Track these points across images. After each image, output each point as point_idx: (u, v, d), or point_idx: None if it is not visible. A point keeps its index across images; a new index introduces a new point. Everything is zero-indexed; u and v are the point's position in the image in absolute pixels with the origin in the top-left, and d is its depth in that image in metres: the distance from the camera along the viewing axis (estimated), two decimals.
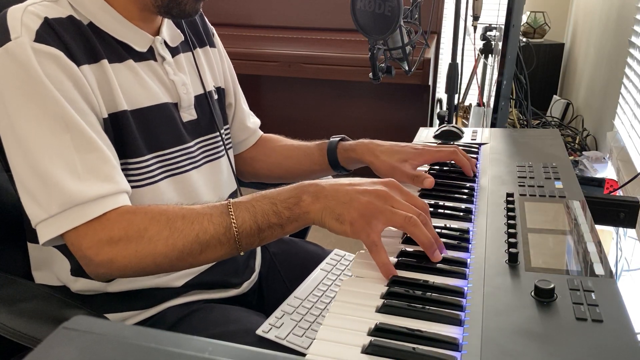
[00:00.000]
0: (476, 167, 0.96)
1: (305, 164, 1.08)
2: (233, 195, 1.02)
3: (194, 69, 0.95)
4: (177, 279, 0.88)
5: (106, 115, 0.78)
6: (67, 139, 0.71)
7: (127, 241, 0.70)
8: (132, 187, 0.81)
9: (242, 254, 0.74)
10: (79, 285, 0.84)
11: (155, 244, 0.70)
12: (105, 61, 0.79)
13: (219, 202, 0.74)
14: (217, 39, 1.05)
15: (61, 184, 0.70)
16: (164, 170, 0.86)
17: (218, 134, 0.97)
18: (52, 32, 0.74)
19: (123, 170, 0.80)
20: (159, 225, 0.71)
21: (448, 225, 0.78)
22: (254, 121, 1.13)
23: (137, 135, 0.81)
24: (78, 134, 0.72)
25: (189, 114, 0.91)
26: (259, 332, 0.80)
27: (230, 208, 0.72)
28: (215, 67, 1.01)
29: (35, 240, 0.75)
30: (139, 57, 0.84)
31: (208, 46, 1.00)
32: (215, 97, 0.99)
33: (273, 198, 0.73)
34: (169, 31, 0.91)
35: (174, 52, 0.91)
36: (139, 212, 0.72)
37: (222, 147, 0.98)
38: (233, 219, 0.72)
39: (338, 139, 1.05)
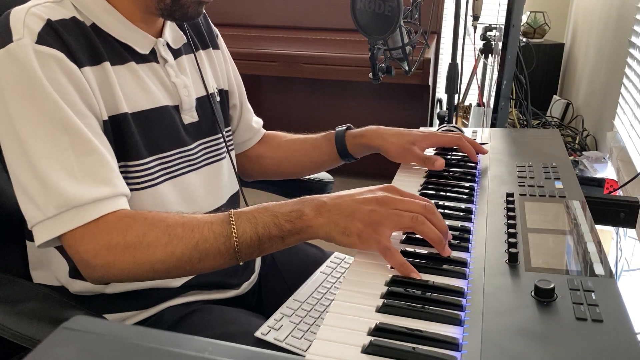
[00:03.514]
0: (484, 149, 1.01)
1: (314, 155, 1.09)
2: (235, 196, 1.02)
3: (196, 70, 0.95)
4: (176, 279, 0.87)
5: (106, 118, 0.78)
6: (66, 142, 0.71)
7: (125, 246, 0.70)
8: (132, 189, 0.80)
9: (241, 263, 0.74)
10: (78, 287, 0.84)
11: (153, 250, 0.70)
12: (107, 63, 0.79)
13: (220, 212, 0.74)
14: (221, 41, 1.05)
15: (58, 186, 0.70)
16: (163, 173, 0.86)
17: (220, 135, 0.97)
18: (54, 33, 0.74)
19: (123, 172, 0.80)
20: (158, 232, 0.71)
21: (448, 225, 0.78)
22: (257, 120, 1.14)
23: (138, 137, 0.81)
24: (76, 136, 0.72)
25: (190, 116, 0.91)
26: (257, 334, 0.80)
27: (232, 217, 0.72)
28: (219, 69, 1.01)
29: (33, 239, 0.75)
30: (140, 59, 0.84)
31: (211, 48, 1.00)
32: (218, 99, 0.99)
33: (275, 211, 0.73)
34: (172, 33, 0.91)
35: (176, 54, 0.91)
36: (138, 217, 0.72)
37: (224, 148, 0.98)
38: (234, 229, 0.71)
39: (344, 127, 1.07)
